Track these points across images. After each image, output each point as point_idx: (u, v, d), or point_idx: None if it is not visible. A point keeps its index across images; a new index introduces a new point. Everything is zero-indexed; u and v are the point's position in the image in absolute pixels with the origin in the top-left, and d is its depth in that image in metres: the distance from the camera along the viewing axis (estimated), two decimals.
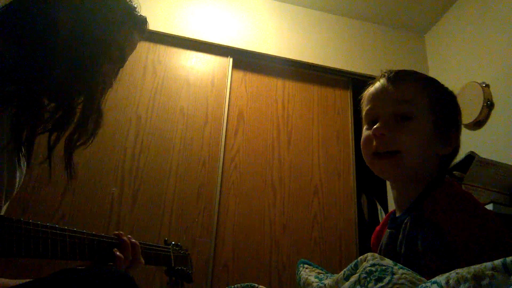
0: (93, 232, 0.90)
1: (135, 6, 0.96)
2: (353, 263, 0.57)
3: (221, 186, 2.16)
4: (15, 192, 0.85)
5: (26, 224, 0.74)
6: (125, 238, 0.97)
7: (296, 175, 2.31)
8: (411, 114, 0.83)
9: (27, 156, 0.83)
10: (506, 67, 2.11)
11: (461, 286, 0.41)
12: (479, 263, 0.42)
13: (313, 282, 0.67)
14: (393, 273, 0.51)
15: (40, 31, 0.80)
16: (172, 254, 1.16)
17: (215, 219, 2.08)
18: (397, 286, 0.48)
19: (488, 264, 0.40)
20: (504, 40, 2.15)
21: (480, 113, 2.14)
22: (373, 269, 0.52)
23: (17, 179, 0.84)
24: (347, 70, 2.59)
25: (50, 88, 0.82)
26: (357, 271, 0.55)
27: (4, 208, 0.84)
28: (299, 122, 2.45)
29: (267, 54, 2.49)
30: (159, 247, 1.13)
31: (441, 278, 0.44)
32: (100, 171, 2.02)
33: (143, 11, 0.99)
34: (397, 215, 0.88)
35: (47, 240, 0.77)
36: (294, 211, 2.22)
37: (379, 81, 0.90)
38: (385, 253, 0.84)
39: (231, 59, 2.45)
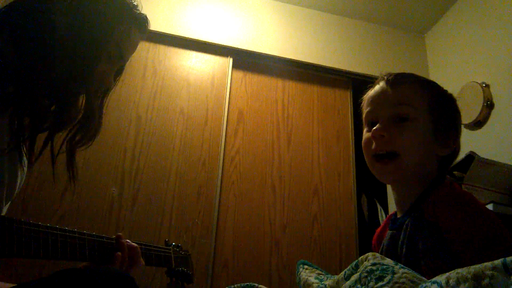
0: (93, 233, 0.90)
1: (136, 4, 0.96)
2: (354, 263, 0.58)
3: (221, 186, 2.16)
4: (17, 191, 0.85)
5: (26, 225, 0.75)
6: (122, 240, 0.97)
7: (296, 175, 2.31)
8: (410, 116, 0.84)
9: (28, 156, 0.83)
10: (506, 67, 2.11)
11: (461, 286, 0.41)
12: (479, 263, 0.42)
13: (313, 283, 0.67)
14: (393, 272, 0.51)
15: (39, 32, 0.80)
16: (172, 255, 1.16)
17: (215, 219, 2.08)
18: (398, 285, 0.49)
19: (488, 264, 0.40)
20: (504, 40, 2.15)
21: (480, 113, 2.14)
22: (374, 268, 0.52)
23: (19, 179, 0.84)
24: (347, 70, 2.59)
25: (48, 88, 0.82)
26: (358, 270, 0.55)
27: (6, 208, 0.84)
28: (299, 122, 2.44)
29: (267, 54, 2.49)
30: (160, 248, 1.13)
31: (441, 278, 0.44)
32: (100, 171, 2.02)
33: (143, 11, 0.98)
34: (398, 216, 0.88)
35: (47, 240, 0.77)
36: (294, 211, 2.22)
37: (378, 84, 0.91)
38: (386, 254, 0.84)
39: (231, 59, 2.45)
